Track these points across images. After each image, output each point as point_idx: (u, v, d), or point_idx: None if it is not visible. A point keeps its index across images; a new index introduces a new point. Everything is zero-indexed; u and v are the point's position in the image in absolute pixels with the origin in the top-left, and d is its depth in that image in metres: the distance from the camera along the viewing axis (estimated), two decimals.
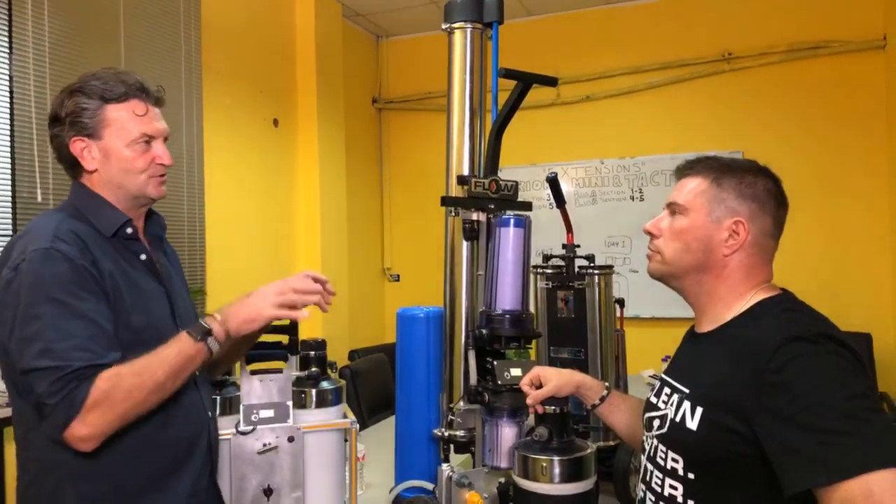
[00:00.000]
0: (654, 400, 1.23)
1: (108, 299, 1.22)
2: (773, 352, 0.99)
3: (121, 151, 1.29)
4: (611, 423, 1.42)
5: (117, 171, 1.30)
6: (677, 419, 1.11)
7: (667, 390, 1.20)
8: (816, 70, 4.21)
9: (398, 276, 5.32)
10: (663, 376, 1.25)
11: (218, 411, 1.44)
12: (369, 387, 3.49)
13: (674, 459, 1.11)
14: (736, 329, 1.12)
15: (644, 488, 1.19)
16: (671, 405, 1.15)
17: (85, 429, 1.12)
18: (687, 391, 1.13)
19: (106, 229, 1.29)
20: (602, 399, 1.39)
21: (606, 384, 1.42)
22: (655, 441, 1.17)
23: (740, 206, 1.13)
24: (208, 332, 1.21)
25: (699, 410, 1.08)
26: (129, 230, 1.32)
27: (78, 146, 1.29)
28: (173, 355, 1.19)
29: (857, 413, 0.93)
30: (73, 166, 1.33)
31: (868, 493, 0.88)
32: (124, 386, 1.14)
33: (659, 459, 1.15)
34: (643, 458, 1.22)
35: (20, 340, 1.15)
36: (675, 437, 1.11)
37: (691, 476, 1.09)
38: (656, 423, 1.18)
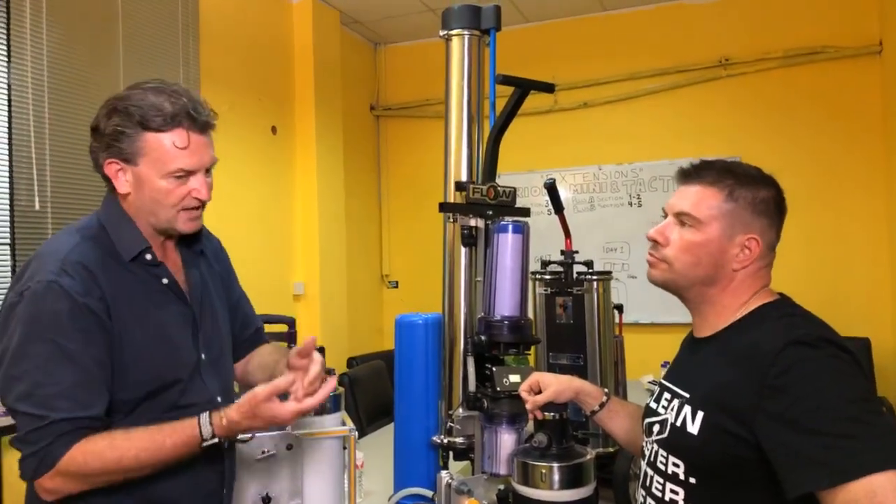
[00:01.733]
0: (653, 405, 1.23)
1: (111, 337, 1.18)
2: (774, 356, 0.99)
3: (155, 182, 1.22)
4: (610, 430, 1.41)
5: (149, 200, 1.24)
6: (678, 424, 1.11)
7: (667, 395, 1.19)
8: (813, 76, 4.22)
9: (397, 282, 5.32)
10: (663, 381, 1.24)
11: None
12: (368, 394, 3.48)
13: (675, 464, 1.11)
14: (736, 334, 1.12)
15: (644, 493, 1.19)
16: (671, 410, 1.15)
17: (52, 485, 1.13)
18: (687, 396, 1.13)
19: (125, 253, 1.25)
20: (601, 405, 1.38)
21: (606, 390, 1.41)
22: (656, 446, 1.17)
23: (754, 221, 1.12)
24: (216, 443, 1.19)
25: (700, 415, 1.07)
26: (149, 256, 1.27)
27: (113, 168, 1.24)
28: (169, 449, 1.16)
29: (859, 416, 0.93)
30: (108, 179, 1.28)
31: (871, 494, 0.87)
32: (101, 466, 1.13)
33: (659, 464, 1.14)
34: (643, 464, 1.22)
35: (7, 377, 1.14)
36: (676, 441, 1.11)
37: (692, 480, 1.08)
38: (656, 427, 1.18)
